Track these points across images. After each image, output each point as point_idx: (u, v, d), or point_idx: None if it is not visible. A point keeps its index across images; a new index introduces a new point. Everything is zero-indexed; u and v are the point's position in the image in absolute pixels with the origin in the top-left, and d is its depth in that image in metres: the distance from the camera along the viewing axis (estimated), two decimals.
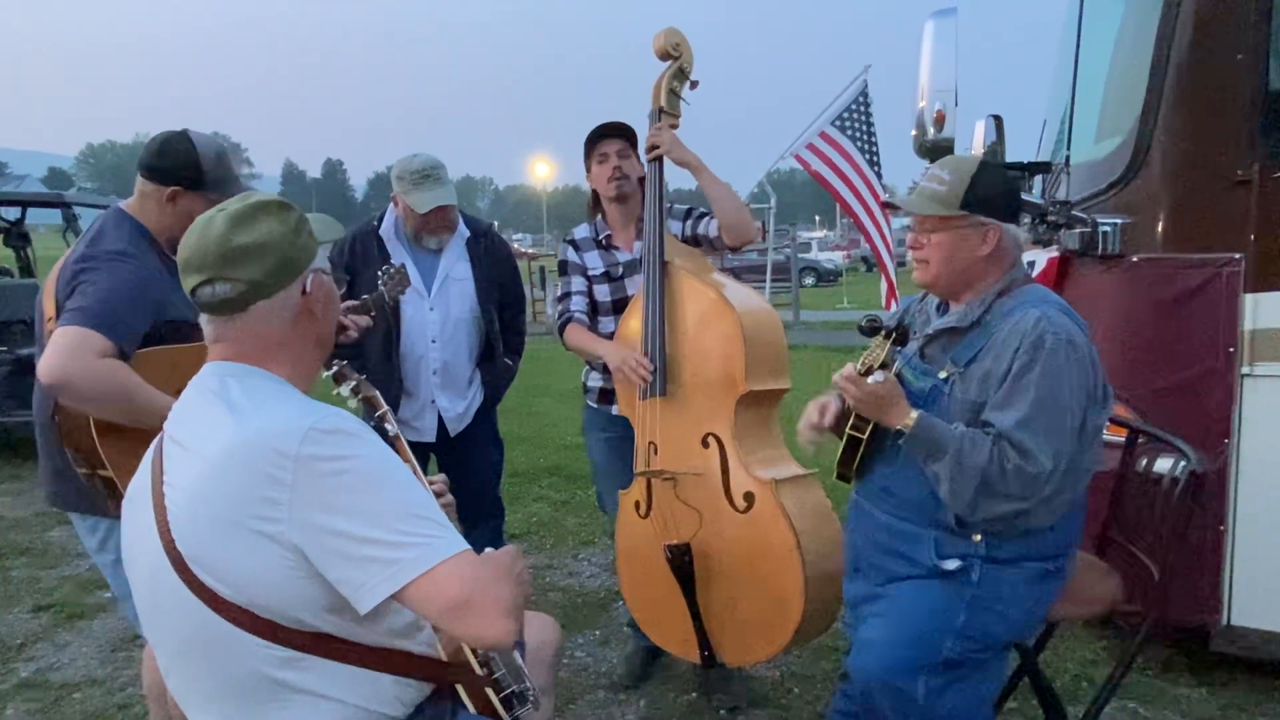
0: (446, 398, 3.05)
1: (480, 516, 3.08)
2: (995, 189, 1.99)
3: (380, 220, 3.05)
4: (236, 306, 1.38)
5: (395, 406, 2.92)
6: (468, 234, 3.07)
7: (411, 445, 2.87)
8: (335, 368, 2.06)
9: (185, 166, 2.14)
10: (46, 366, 1.90)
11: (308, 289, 1.42)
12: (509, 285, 3.20)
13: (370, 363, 2.87)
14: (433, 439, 3.05)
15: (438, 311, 3.00)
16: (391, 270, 2.74)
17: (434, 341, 3.00)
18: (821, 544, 2.46)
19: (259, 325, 1.39)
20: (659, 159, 2.71)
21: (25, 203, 7.70)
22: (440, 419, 3.05)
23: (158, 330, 2.06)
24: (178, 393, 2.04)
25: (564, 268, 3.02)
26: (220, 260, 1.36)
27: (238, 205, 1.41)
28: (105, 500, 2.06)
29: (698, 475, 2.61)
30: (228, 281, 1.36)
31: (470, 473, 3.08)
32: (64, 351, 1.89)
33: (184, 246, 1.40)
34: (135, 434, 1.99)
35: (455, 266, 3.04)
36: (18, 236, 7.50)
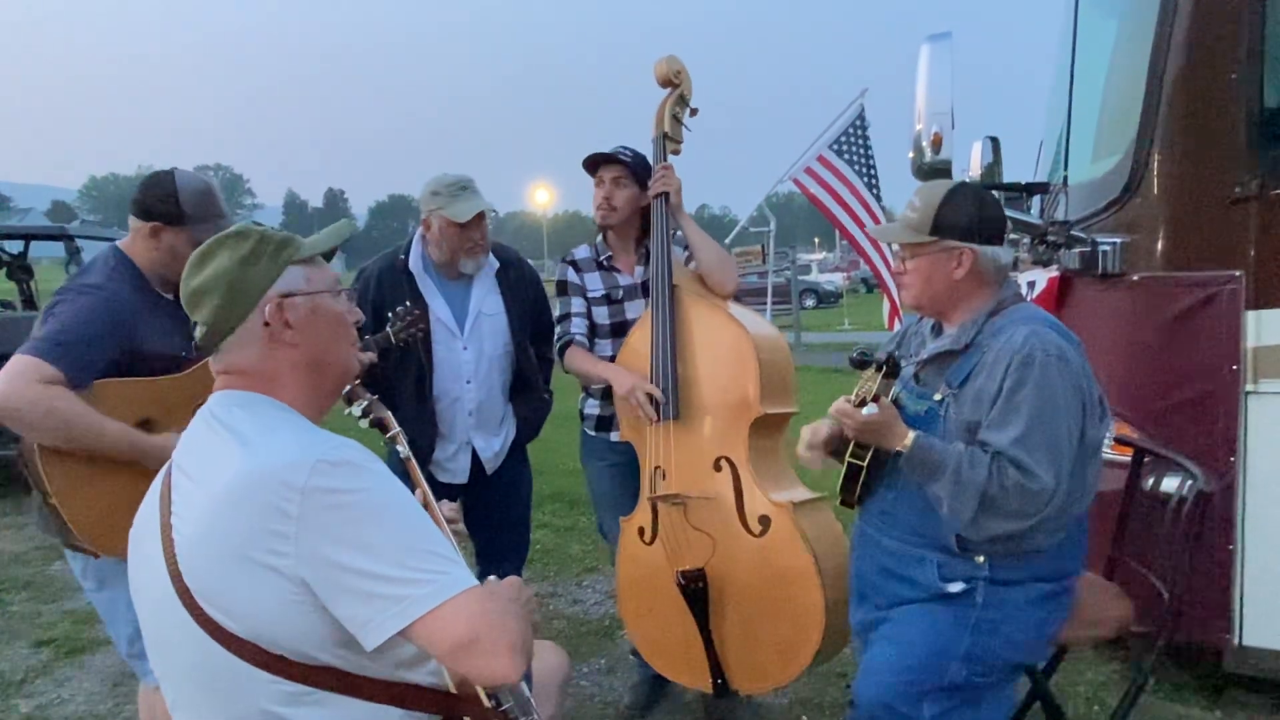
0: (482, 438, 2.94)
1: (507, 554, 3.01)
2: (964, 213, 2.02)
3: (406, 253, 2.88)
4: (209, 347, 1.41)
5: (430, 450, 2.84)
6: (497, 264, 2.96)
7: (444, 486, 2.83)
8: (347, 387, 2.05)
9: (165, 203, 2.20)
10: None
11: (268, 318, 1.39)
12: (540, 315, 3.08)
13: (403, 404, 2.77)
14: (466, 480, 2.94)
15: (472, 350, 2.88)
16: (406, 312, 2.64)
17: (469, 382, 2.88)
18: (836, 567, 2.45)
19: (237, 360, 1.41)
20: (664, 195, 2.72)
21: (28, 236, 7.75)
22: (476, 459, 2.94)
23: (128, 361, 2.13)
24: (142, 423, 2.10)
25: (563, 288, 2.97)
26: (189, 304, 1.42)
27: (204, 245, 1.44)
28: (57, 529, 2.10)
29: (709, 500, 2.59)
30: (197, 324, 1.41)
31: (502, 511, 3.01)
32: (6, 378, 1.98)
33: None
34: (82, 464, 2.06)
35: (486, 300, 2.92)
36: (21, 270, 7.54)
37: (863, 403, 1.96)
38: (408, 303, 2.71)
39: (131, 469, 2.05)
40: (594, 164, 2.90)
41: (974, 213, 2.03)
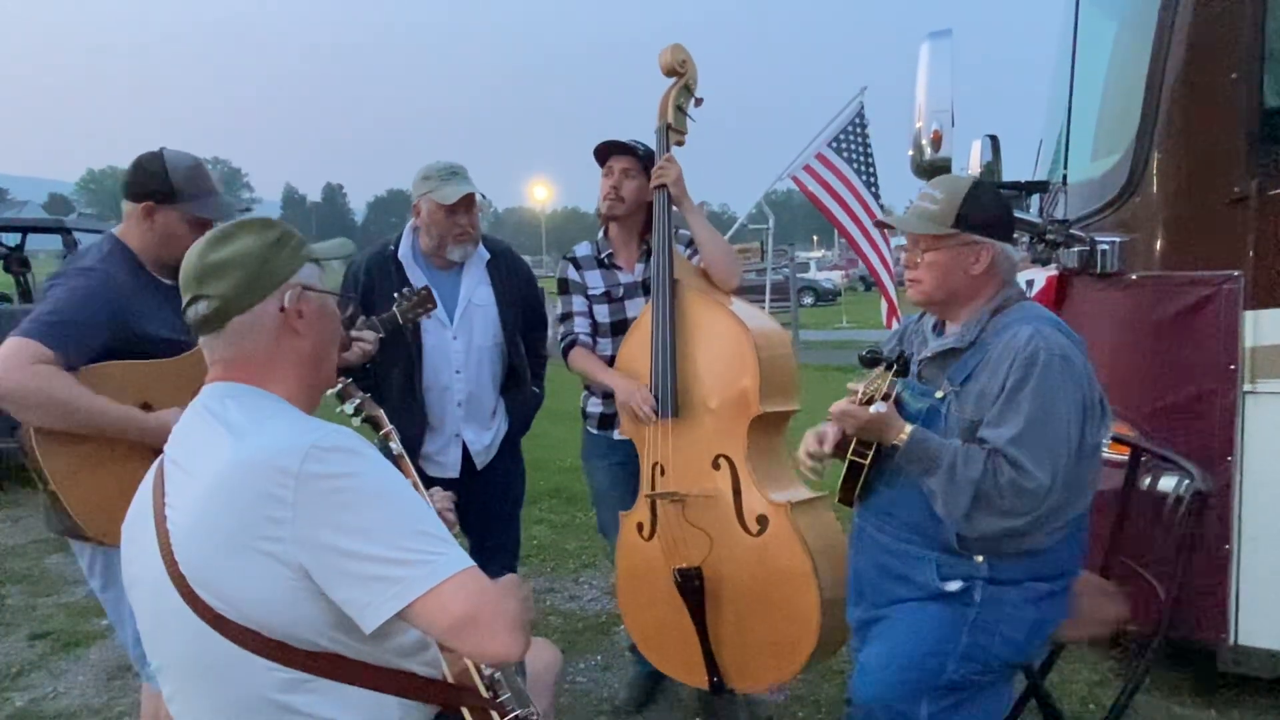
0: (472, 430, 2.90)
1: (498, 551, 2.98)
2: (988, 208, 2.01)
3: (396, 244, 2.86)
4: (215, 323, 1.39)
5: (419, 441, 2.82)
6: (487, 255, 2.91)
7: (434, 480, 2.78)
8: (340, 385, 2.06)
9: (156, 181, 2.18)
10: None
11: (286, 305, 1.41)
12: (531, 307, 3.06)
13: (392, 395, 2.75)
14: (456, 474, 2.89)
15: (461, 340, 2.84)
16: (411, 292, 2.59)
17: (458, 372, 2.84)
18: (835, 568, 2.44)
19: (241, 342, 1.40)
20: (664, 187, 2.71)
21: (25, 228, 7.74)
22: (466, 452, 2.90)
23: (122, 345, 2.10)
24: (142, 406, 2.09)
25: (564, 286, 2.96)
26: (198, 278, 1.39)
27: (223, 225, 1.44)
28: (57, 517, 2.08)
29: (708, 498, 2.58)
30: (205, 299, 1.38)
31: (493, 507, 2.98)
32: (0, 361, 1.96)
33: (180, 270, 1.42)
34: (82, 450, 2.03)
35: (477, 291, 2.88)
36: (18, 262, 7.52)
37: (869, 400, 1.95)
38: (412, 283, 2.67)
39: (134, 455, 2.03)
40: (605, 153, 2.88)
41: (996, 209, 2.03)
